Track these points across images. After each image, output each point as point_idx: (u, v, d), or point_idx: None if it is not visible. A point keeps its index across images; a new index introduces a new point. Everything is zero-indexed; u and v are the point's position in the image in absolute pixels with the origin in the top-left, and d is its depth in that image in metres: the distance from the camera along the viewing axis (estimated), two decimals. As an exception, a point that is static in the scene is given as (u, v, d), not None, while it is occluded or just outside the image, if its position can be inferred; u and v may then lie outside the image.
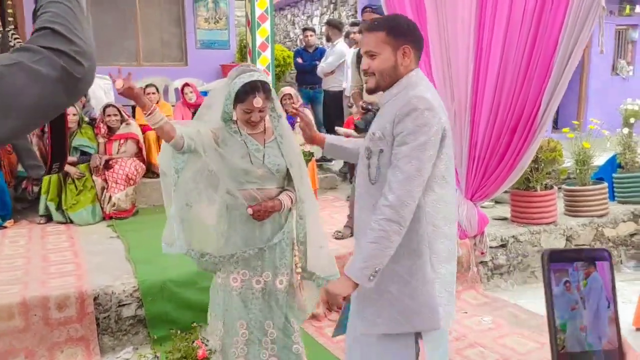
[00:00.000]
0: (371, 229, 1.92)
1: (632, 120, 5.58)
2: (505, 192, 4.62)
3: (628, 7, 8.60)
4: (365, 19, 5.57)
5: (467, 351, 3.56)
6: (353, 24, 6.93)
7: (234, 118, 2.65)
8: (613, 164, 5.75)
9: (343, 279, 1.97)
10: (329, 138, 2.52)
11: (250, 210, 2.52)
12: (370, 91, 2.15)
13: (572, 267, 0.73)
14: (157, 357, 3.38)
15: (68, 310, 3.52)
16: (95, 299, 3.62)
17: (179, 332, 2.63)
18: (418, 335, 2.11)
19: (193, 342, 2.40)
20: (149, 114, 2.38)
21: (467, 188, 3.62)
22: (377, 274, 1.92)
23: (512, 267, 4.77)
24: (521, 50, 3.25)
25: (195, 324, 3.28)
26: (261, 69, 6.73)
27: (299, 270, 2.81)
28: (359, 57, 4.65)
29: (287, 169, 2.67)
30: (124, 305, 3.70)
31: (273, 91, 2.66)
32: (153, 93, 6.59)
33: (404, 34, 2.06)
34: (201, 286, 3.64)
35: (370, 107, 4.52)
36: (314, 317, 4.02)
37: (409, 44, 2.05)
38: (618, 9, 10.40)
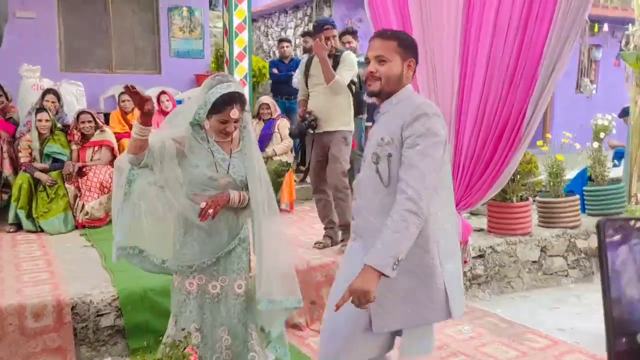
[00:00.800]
0: (392, 220, 1.98)
1: (602, 134, 5.75)
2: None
3: (596, 25, 8.91)
4: (327, 35, 5.69)
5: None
6: (305, 34, 7.01)
7: (204, 125, 2.60)
8: (583, 177, 5.90)
9: (366, 271, 1.97)
10: None
11: (203, 204, 2.48)
12: (373, 94, 2.23)
13: (629, 238, 0.70)
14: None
15: (45, 320, 3.40)
16: (72, 308, 3.51)
17: (168, 338, 2.57)
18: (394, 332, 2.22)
19: (184, 349, 2.35)
20: (145, 128, 2.32)
21: (452, 197, 3.67)
22: (399, 263, 1.96)
23: (490, 277, 4.83)
24: (506, 59, 3.33)
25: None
26: (238, 79, 6.72)
27: (252, 274, 2.79)
28: (307, 68, 4.73)
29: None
30: (102, 314, 3.59)
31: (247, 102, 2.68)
32: (128, 100, 6.50)
33: (412, 49, 2.23)
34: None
35: (307, 116, 4.58)
36: (296, 326, 3.99)
37: (415, 58, 2.23)
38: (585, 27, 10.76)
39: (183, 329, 2.57)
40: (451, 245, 2.19)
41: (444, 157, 2.10)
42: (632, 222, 0.70)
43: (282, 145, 6.35)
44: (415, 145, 2.03)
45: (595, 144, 5.70)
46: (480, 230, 5.08)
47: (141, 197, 2.56)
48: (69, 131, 5.81)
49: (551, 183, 5.33)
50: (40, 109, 5.70)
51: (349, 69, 4.54)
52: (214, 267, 2.66)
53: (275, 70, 7.96)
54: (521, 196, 5.01)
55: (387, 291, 2.08)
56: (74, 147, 5.74)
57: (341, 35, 6.33)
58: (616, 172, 6.27)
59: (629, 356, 0.70)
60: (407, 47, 2.20)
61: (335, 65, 4.51)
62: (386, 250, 1.95)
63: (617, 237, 0.70)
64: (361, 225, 2.22)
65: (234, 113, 2.52)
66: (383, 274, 1.95)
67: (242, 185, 2.65)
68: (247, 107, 2.65)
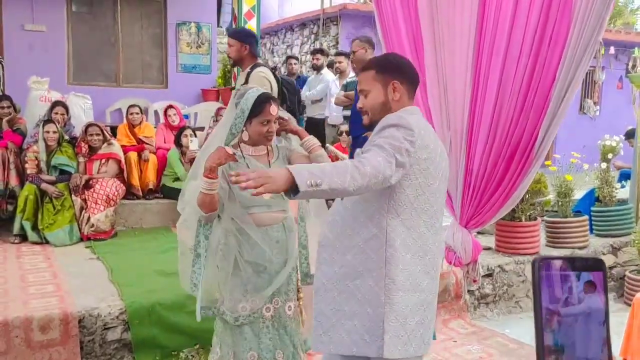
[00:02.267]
0: (336, 164, 1.89)
1: (609, 155, 5.76)
2: (489, 222, 4.68)
3: (603, 48, 8.98)
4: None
5: (460, 380, 3.55)
6: (338, 54, 7.03)
7: (240, 140, 2.57)
8: (591, 198, 5.89)
9: (281, 170, 1.78)
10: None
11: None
12: (366, 128, 2.22)
13: (565, 281, 0.69)
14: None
15: (52, 333, 3.37)
16: (80, 321, 3.48)
17: (182, 354, 2.54)
18: None
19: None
20: (214, 181, 2.37)
21: (462, 215, 3.65)
22: (313, 187, 1.73)
23: (498, 297, 4.80)
24: (518, 82, 3.33)
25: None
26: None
27: (301, 295, 2.78)
28: None
29: None
30: (109, 328, 3.56)
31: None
32: (137, 113, 6.52)
33: (393, 70, 2.14)
34: (190, 310, 3.52)
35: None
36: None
37: (397, 79, 2.12)
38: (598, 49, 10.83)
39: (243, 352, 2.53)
40: (407, 279, 1.97)
41: (418, 180, 1.99)
42: (566, 263, 0.70)
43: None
44: (377, 138, 1.97)
45: (603, 165, 5.70)
46: (489, 249, 5.06)
47: (215, 251, 2.57)
48: (76, 143, 5.82)
49: (559, 203, 5.32)
50: (48, 120, 5.71)
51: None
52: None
53: (282, 87, 8.00)
54: (530, 215, 4.99)
55: (329, 310, 2.03)
56: (81, 159, 5.74)
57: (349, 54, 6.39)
58: (622, 193, 6.26)
59: None
60: (387, 69, 2.13)
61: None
62: (312, 170, 1.79)
63: (552, 281, 0.69)
64: (327, 237, 2.15)
65: (274, 109, 2.51)
66: (294, 183, 1.73)
67: (285, 197, 2.59)
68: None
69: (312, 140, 2.64)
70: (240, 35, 4.14)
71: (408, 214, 2.00)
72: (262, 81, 3.99)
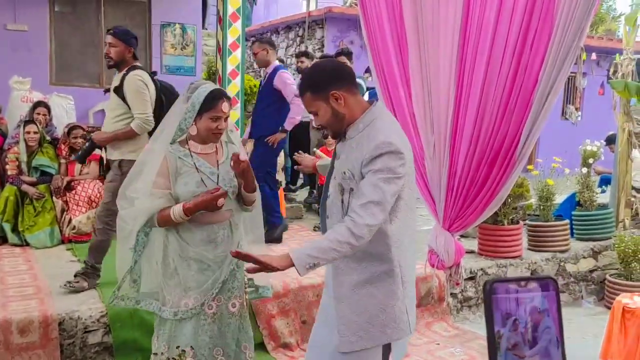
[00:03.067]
0: (332, 230, 2.06)
1: (590, 160, 5.83)
2: (472, 225, 4.71)
3: (585, 53, 9.10)
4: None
5: (442, 382, 3.56)
6: (324, 57, 7.04)
7: (188, 135, 2.57)
8: (572, 202, 5.96)
9: (285, 257, 2.02)
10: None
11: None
12: (334, 137, 2.29)
13: (518, 304, 0.71)
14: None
15: (31, 335, 3.33)
16: (60, 323, 3.43)
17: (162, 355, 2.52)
18: (387, 347, 2.28)
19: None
20: (187, 218, 2.48)
21: (445, 218, 3.66)
22: (313, 268, 2.02)
23: (480, 300, 4.82)
24: (502, 84, 3.36)
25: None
26: (231, 95, 6.73)
27: (248, 289, 2.80)
28: None
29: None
30: (90, 331, 3.52)
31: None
32: (119, 115, 6.46)
33: (325, 84, 2.15)
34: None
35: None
36: (286, 346, 3.95)
37: (333, 88, 2.14)
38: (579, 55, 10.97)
39: (178, 347, 2.52)
40: (411, 270, 2.26)
41: (406, 185, 2.15)
42: (519, 284, 0.73)
43: (273, 163, 6.32)
44: (370, 178, 2.07)
45: (584, 170, 5.77)
46: (471, 252, 5.09)
47: (152, 246, 2.65)
48: (57, 145, 5.75)
49: (541, 207, 5.37)
50: (29, 121, 5.65)
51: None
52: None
53: (266, 89, 7.97)
54: (512, 219, 5.03)
55: (354, 315, 2.17)
56: (62, 161, 5.68)
57: (336, 55, 6.39)
58: (603, 198, 6.34)
59: None
60: (318, 86, 2.15)
61: None
62: (313, 253, 2.00)
63: (504, 305, 0.72)
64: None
65: (225, 107, 2.51)
66: (293, 265, 2.01)
67: (233, 196, 2.62)
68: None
69: (252, 196, 2.67)
70: (127, 37, 3.93)
71: (403, 213, 2.18)
72: (138, 84, 3.81)
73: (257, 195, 2.71)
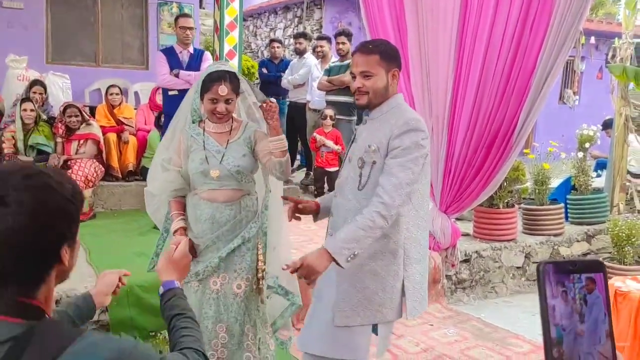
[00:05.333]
0: (362, 217, 2.08)
1: (587, 144, 5.84)
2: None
3: (583, 37, 9.06)
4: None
5: (436, 362, 3.61)
6: (320, 38, 7.00)
7: (203, 117, 2.67)
8: (567, 186, 5.98)
9: (322, 254, 2.07)
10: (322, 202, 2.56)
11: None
12: (361, 107, 2.35)
13: (568, 280, 0.74)
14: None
15: (28, 313, 3.35)
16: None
17: (159, 335, 2.55)
18: (374, 328, 2.31)
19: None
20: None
21: (442, 201, 3.70)
22: (354, 258, 2.07)
23: (475, 282, 4.87)
24: (500, 68, 3.37)
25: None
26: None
27: (261, 274, 2.77)
28: None
29: (254, 169, 2.71)
30: (87, 309, 3.54)
31: (248, 86, 2.73)
32: (117, 94, 6.44)
33: (395, 58, 2.29)
34: (169, 291, 3.55)
35: None
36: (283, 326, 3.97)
37: (398, 68, 2.28)
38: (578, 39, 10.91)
39: None
40: (419, 251, 2.28)
41: (423, 169, 2.21)
42: (569, 265, 0.75)
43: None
44: (399, 156, 2.12)
45: (580, 154, 5.79)
46: (467, 235, 5.13)
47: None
48: (54, 124, 5.73)
49: (536, 191, 5.39)
50: (25, 99, 5.62)
51: None
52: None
53: (264, 70, 7.93)
54: (507, 202, 5.06)
55: (354, 290, 2.21)
56: (58, 139, 5.66)
57: (336, 36, 6.36)
58: (598, 182, 6.36)
59: None
60: (390, 58, 2.26)
61: None
62: (347, 242, 2.05)
63: (555, 280, 0.74)
64: (338, 222, 2.29)
65: (222, 90, 2.51)
66: (336, 262, 2.06)
67: (240, 176, 2.64)
68: (250, 89, 2.73)
69: (280, 143, 2.55)
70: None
71: (416, 198, 2.22)
72: None
73: (282, 163, 2.59)
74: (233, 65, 6.72)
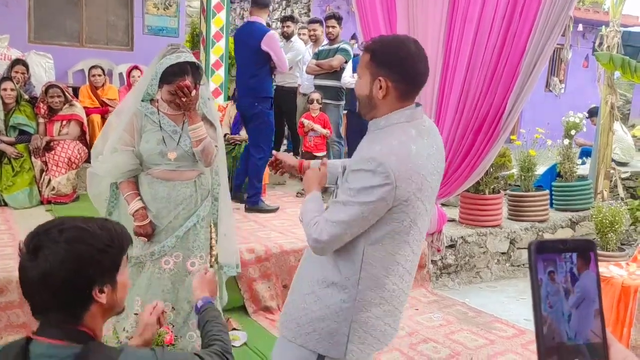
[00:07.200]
0: (312, 218, 1.82)
1: (572, 132, 5.87)
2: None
3: (571, 25, 9.06)
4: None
5: (420, 346, 3.62)
6: (312, 21, 6.92)
7: (156, 98, 2.63)
8: (552, 173, 6.02)
9: (312, 182, 1.98)
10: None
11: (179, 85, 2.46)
12: (360, 113, 1.95)
13: (559, 258, 0.74)
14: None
15: (9, 295, 3.31)
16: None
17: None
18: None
19: (161, 327, 2.31)
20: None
21: (429, 186, 3.68)
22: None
23: (460, 267, 4.90)
24: (489, 53, 3.35)
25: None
26: (214, 59, 6.62)
27: (215, 252, 2.83)
28: None
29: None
30: (70, 291, 3.51)
31: (203, 74, 2.69)
32: (99, 75, 6.34)
33: (388, 63, 1.76)
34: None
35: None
36: (267, 309, 3.97)
37: (389, 76, 1.75)
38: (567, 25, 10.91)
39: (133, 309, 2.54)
40: (381, 296, 1.85)
41: (400, 216, 1.77)
42: (560, 244, 0.74)
43: (257, 128, 6.27)
44: (345, 193, 1.77)
45: (566, 141, 5.82)
46: (452, 220, 5.14)
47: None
48: (36, 104, 5.63)
49: (522, 177, 5.42)
50: (6, 78, 5.51)
51: None
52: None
53: (251, 53, 7.84)
54: (493, 189, 5.08)
55: (301, 309, 1.90)
56: (41, 120, 5.56)
57: (326, 19, 6.29)
58: (583, 170, 6.41)
59: None
60: (381, 62, 1.77)
61: None
62: (313, 207, 1.89)
63: (546, 258, 0.74)
64: None
65: (186, 85, 2.49)
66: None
67: (196, 157, 2.64)
68: (205, 80, 2.69)
69: (194, 132, 2.57)
70: None
71: (389, 240, 1.80)
72: None
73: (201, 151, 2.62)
74: (220, 47, 6.65)
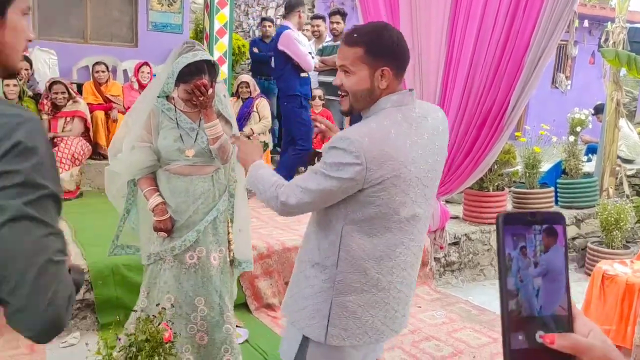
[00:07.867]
0: (272, 181, 1.85)
1: (578, 128, 5.83)
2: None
3: (577, 21, 9.01)
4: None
5: (423, 344, 3.60)
6: (316, 17, 6.89)
7: (172, 95, 2.63)
8: (558, 170, 5.98)
9: (250, 155, 2.00)
10: None
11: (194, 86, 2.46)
12: (345, 114, 1.96)
13: (528, 231, 0.73)
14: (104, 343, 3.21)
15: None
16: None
17: (142, 313, 2.52)
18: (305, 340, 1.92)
19: (159, 324, 2.30)
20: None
21: (431, 183, 3.66)
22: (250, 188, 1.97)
23: (463, 265, 4.87)
24: (493, 48, 3.31)
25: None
26: (218, 55, 6.60)
27: (233, 247, 2.84)
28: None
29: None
30: (71, 288, 3.51)
31: (219, 71, 2.69)
32: (103, 71, 6.34)
33: (386, 53, 1.78)
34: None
35: None
36: (269, 307, 3.97)
37: (389, 64, 1.77)
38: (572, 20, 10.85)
39: (158, 304, 2.52)
40: (362, 282, 1.82)
41: (374, 201, 1.75)
42: (529, 217, 0.73)
43: (260, 124, 6.27)
44: (320, 166, 1.77)
45: (572, 138, 5.77)
46: (456, 217, 5.12)
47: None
48: (40, 100, 5.63)
49: (527, 174, 5.38)
50: (10, 75, 5.50)
51: None
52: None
53: (255, 50, 7.83)
54: (497, 185, 5.04)
55: (295, 282, 1.95)
56: (44, 116, 5.57)
57: (331, 15, 6.27)
58: (588, 167, 6.37)
59: (527, 355, 0.71)
60: (379, 53, 1.77)
61: None
62: (256, 178, 1.91)
63: (515, 231, 0.72)
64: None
65: (202, 82, 2.48)
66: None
67: (214, 154, 2.64)
68: (219, 78, 2.68)
69: (210, 130, 2.55)
70: None
71: (367, 224, 1.79)
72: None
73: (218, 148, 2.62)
74: (223, 44, 6.63)
